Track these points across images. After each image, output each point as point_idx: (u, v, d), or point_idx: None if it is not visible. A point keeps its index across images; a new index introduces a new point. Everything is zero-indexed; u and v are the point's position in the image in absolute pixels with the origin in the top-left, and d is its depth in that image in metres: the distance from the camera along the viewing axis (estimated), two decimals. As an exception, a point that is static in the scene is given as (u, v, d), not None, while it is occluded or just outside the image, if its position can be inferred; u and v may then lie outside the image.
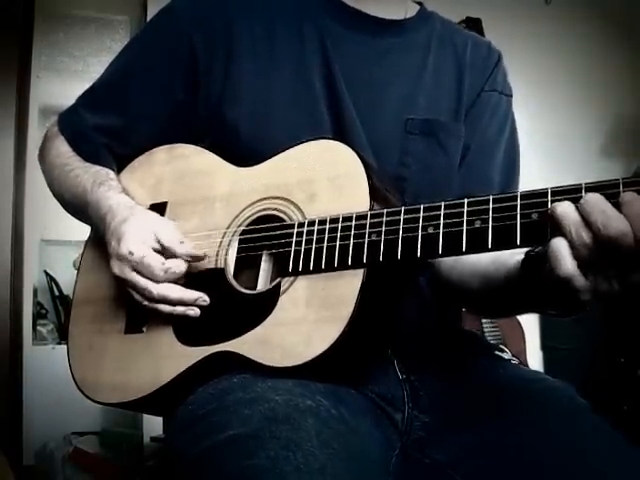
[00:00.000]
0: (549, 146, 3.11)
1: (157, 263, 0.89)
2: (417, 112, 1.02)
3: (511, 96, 1.13)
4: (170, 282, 0.90)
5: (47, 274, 3.75)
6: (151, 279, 0.89)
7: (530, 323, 2.90)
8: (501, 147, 1.09)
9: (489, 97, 1.08)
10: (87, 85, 1.12)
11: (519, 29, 3.20)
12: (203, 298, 0.89)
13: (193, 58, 1.01)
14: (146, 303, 0.90)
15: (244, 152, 0.96)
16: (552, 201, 0.68)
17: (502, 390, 0.90)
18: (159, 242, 0.91)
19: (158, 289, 0.89)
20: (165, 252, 0.91)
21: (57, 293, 3.69)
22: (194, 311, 0.89)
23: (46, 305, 3.71)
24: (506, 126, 1.10)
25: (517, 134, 1.12)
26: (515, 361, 1.02)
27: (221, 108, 0.99)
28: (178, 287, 0.90)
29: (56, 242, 3.69)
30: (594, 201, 0.65)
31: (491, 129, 1.08)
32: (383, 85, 1.02)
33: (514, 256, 0.81)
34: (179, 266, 0.90)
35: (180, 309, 0.89)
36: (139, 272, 0.89)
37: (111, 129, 1.06)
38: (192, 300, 0.89)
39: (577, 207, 0.66)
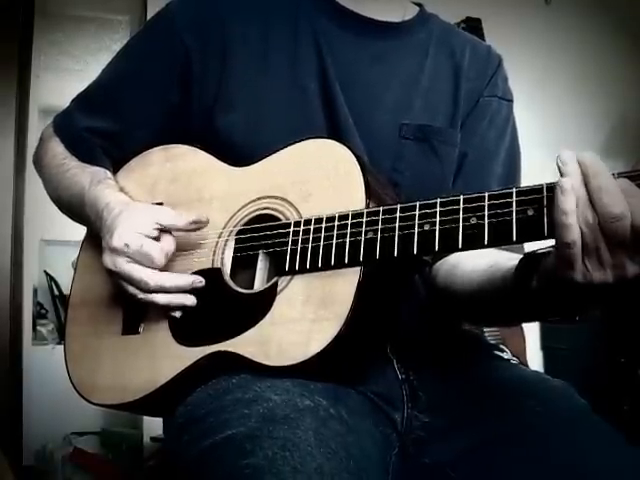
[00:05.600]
0: (550, 145, 3.10)
1: (156, 249, 0.89)
2: (412, 117, 1.00)
3: (512, 101, 1.10)
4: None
5: (47, 274, 3.77)
6: (151, 267, 0.88)
7: (530, 323, 2.89)
8: (500, 155, 1.05)
9: (488, 103, 1.06)
10: (87, 85, 1.12)
11: (519, 29, 3.19)
12: (199, 279, 0.89)
13: (187, 62, 1.00)
14: (141, 296, 0.89)
15: (238, 155, 0.95)
16: (547, 197, 0.67)
17: (502, 390, 0.90)
18: (159, 224, 0.90)
19: (154, 279, 0.88)
20: (166, 232, 0.91)
21: (57, 293, 3.71)
22: (191, 300, 0.89)
23: (46, 305, 3.73)
24: (506, 133, 1.07)
25: (518, 141, 1.09)
26: (515, 361, 1.01)
27: (215, 112, 0.99)
28: (173, 274, 0.89)
29: (56, 242, 3.70)
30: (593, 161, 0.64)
31: (490, 136, 1.05)
32: (379, 88, 1.01)
33: (510, 261, 0.81)
34: (171, 244, 0.90)
35: (177, 300, 0.89)
36: (136, 263, 0.88)
37: (106, 132, 1.06)
38: (188, 283, 0.89)
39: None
